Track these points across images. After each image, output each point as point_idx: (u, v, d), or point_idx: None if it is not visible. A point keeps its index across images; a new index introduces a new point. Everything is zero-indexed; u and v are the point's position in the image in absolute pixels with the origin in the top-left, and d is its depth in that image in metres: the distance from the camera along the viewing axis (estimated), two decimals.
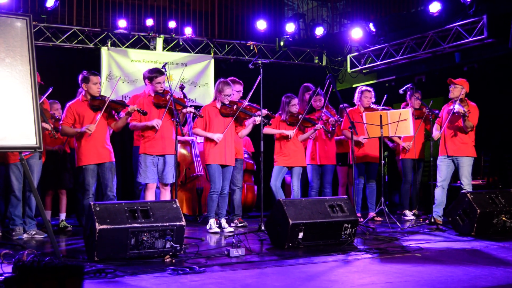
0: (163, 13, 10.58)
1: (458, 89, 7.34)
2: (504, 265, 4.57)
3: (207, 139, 6.90)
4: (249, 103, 7.19)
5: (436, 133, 7.60)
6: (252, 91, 7.28)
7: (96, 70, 8.62)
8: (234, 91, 7.32)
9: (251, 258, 4.94)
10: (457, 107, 7.19)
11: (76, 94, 7.07)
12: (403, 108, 8.21)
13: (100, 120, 6.34)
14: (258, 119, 6.89)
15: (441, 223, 7.01)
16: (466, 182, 7.32)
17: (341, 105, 8.18)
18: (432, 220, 7.10)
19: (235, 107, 6.90)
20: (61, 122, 6.42)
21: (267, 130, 7.53)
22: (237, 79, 7.57)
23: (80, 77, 6.45)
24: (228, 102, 6.92)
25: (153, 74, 6.58)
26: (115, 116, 6.52)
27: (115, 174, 6.58)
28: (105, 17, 10.07)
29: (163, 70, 6.59)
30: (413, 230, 6.80)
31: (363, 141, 7.89)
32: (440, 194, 7.43)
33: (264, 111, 6.95)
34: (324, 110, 7.83)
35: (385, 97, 8.12)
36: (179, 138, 6.81)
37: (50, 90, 6.80)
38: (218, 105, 6.94)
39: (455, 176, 7.67)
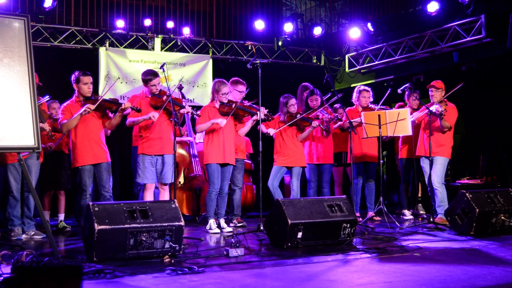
0: (161, 13, 10.58)
1: (440, 92, 7.46)
2: (503, 264, 4.57)
3: (207, 139, 6.88)
4: (248, 103, 7.19)
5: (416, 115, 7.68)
6: (252, 102, 7.31)
7: (94, 71, 8.63)
8: (236, 91, 7.31)
9: (250, 258, 4.93)
10: (435, 107, 7.26)
11: (73, 95, 7.07)
12: (397, 108, 8.21)
13: (95, 120, 6.37)
14: (258, 115, 6.88)
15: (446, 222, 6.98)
16: (436, 180, 7.36)
17: (335, 105, 8.20)
18: (431, 219, 7.10)
19: (233, 105, 6.90)
20: (59, 121, 6.43)
21: (261, 127, 7.51)
22: (240, 80, 7.53)
23: (72, 77, 6.47)
24: (226, 101, 6.92)
25: (148, 77, 6.59)
26: (110, 115, 6.53)
27: (111, 174, 6.57)
28: (103, 18, 10.06)
29: (161, 70, 6.59)
30: (412, 229, 6.80)
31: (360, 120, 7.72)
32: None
33: (264, 111, 6.92)
34: (321, 110, 7.83)
35: (388, 92, 8.10)
36: (177, 138, 6.80)
37: (46, 97, 6.80)
38: (217, 105, 6.93)
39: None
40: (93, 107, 6.24)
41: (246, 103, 7.13)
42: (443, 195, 7.39)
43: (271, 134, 7.49)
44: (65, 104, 6.50)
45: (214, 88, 6.95)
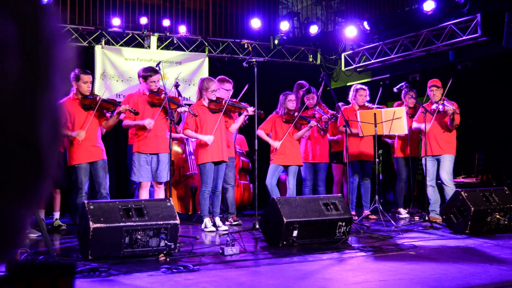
0: (157, 12, 10.57)
1: (440, 90, 7.48)
2: (497, 263, 4.58)
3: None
4: (237, 100, 7.19)
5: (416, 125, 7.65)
6: (242, 93, 7.30)
7: (90, 69, 8.60)
8: (223, 89, 7.31)
9: (246, 256, 4.93)
10: (446, 106, 7.25)
11: (69, 93, 7.05)
12: (397, 106, 8.22)
13: (92, 118, 6.34)
14: (251, 110, 6.86)
15: (441, 221, 6.99)
16: (447, 178, 7.36)
17: (337, 104, 8.16)
18: (427, 218, 7.11)
19: (223, 101, 6.88)
20: None
21: (260, 132, 7.53)
22: (226, 78, 7.55)
23: (72, 74, 6.44)
24: (215, 98, 6.90)
25: (148, 73, 6.57)
26: (107, 115, 6.52)
27: (108, 172, 6.56)
28: (99, 16, 10.05)
29: (157, 68, 6.58)
30: (407, 228, 6.81)
31: (360, 134, 7.72)
32: (432, 193, 7.51)
33: (253, 108, 6.91)
34: (317, 108, 7.83)
35: (380, 91, 8.10)
36: (173, 135, 6.80)
37: None
38: (205, 103, 6.91)
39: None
40: (83, 135, 6.24)
41: (235, 100, 7.13)
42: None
43: (277, 147, 7.51)
44: (60, 101, 6.47)
45: (201, 85, 6.90)
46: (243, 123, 7.17)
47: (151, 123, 6.40)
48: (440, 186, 7.58)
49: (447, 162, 7.44)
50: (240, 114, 7.17)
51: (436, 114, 7.40)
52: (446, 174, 7.40)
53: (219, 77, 7.55)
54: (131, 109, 6.34)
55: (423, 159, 7.60)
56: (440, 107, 7.30)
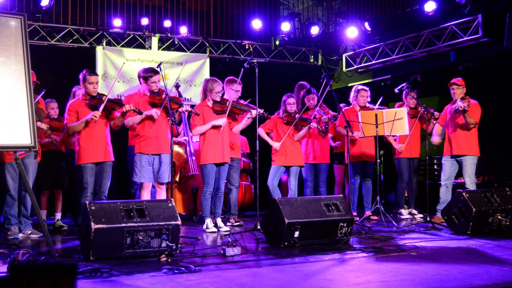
0: (159, 12, 10.58)
1: (461, 89, 7.46)
2: (499, 264, 4.57)
3: (203, 138, 6.85)
4: (243, 101, 7.18)
5: (435, 139, 7.65)
6: (247, 101, 7.31)
7: (91, 69, 8.62)
8: (231, 90, 7.29)
9: (247, 257, 4.93)
10: (458, 104, 7.26)
11: (70, 94, 7.06)
12: (398, 107, 8.22)
13: (100, 119, 6.34)
14: (254, 113, 6.86)
15: (443, 221, 6.98)
16: (469, 181, 7.35)
17: (339, 105, 8.11)
18: (428, 219, 7.11)
19: (227, 102, 6.87)
20: (65, 122, 6.42)
21: (260, 130, 7.53)
22: (235, 78, 7.52)
23: (80, 75, 6.46)
24: (219, 99, 6.90)
25: (148, 74, 6.56)
26: (115, 115, 6.52)
27: (110, 174, 6.56)
28: (100, 16, 10.06)
29: (158, 69, 6.58)
30: (409, 229, 6.80)
31: (357, 137, 7.78)
32: (444, 193, 7.50)
33: (260, 110, 6.92)
34: (317, 109, 7.83)
35: (381, 98, 8.12)
36: (174, 139, 6.79)
37: (43, 92, 6.80)
38: (209, 103, 6.90)
39: (458, 174, 7.70)
40: (98, 114, 6.22)
41: (242, 102, 7.13)
42: None
43: (277, 148, 7.53)
44: (70, 102, 6.48)
45: (206, 86, 6.89)
46: (247, 124, 7.15)
47: (158, 112, 6.41)
48: (454, 187, 7.59)
49: (469, 165, 7.39)
50: None
51: (456, 113, 7.40)
52: (468, 177, 7.38)
53: (228, 78, 7.53)
54: (135, 108, 6.35)
55: (443, 158, 7.59)
56: (458, 104, 7.30)
